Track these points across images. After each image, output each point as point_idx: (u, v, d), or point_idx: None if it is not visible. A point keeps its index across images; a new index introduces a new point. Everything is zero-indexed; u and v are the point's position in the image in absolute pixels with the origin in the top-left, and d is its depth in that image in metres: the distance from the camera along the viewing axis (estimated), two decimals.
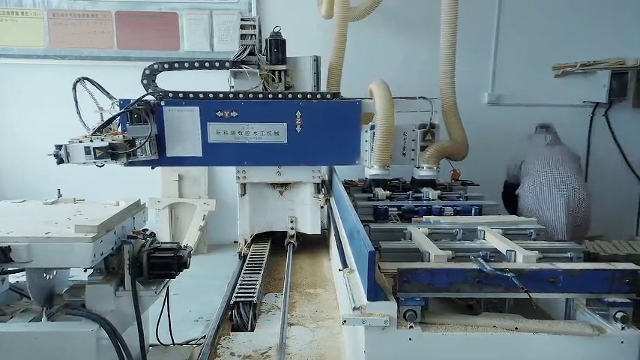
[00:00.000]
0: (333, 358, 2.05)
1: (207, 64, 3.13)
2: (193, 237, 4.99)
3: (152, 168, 3.10)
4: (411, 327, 1.64)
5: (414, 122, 3.27)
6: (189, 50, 4.87)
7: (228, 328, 2.31)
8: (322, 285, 2.84)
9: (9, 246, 1.70)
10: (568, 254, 2.00)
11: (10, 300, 2.11)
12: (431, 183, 3.27)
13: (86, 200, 2.34)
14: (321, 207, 3.39)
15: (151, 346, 2.39)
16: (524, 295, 1.66)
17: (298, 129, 3.06)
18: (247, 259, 3.10)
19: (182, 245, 2.12)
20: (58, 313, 1.92)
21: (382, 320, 1.61)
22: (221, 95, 3.04)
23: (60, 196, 2.36)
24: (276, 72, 3.24)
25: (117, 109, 2.87)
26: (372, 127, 3.04)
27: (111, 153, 2.56)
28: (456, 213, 2.85)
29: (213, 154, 3.07)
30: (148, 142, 2.80)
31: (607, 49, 5.09)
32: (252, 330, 2.29)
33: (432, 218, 2.64)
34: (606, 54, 5.07)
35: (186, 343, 2.74)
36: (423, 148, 3.24)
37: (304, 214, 3.44)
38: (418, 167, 3.25)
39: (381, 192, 3.23)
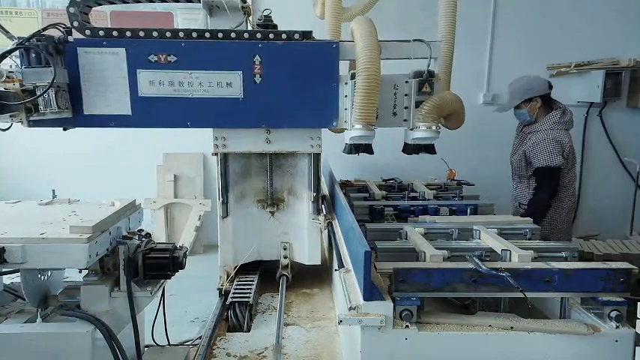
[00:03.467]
0: (329, 358, 2.05)
1: None
2: (189, 237, 4.99)
3: (64, 129, 2.33)
4: (407, 326, 1.65)
5: (405, 73, 2.51)
6: None
7: (224, 328, 2.31)
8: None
9: (3, 247, 1.68)
10: (563, 254, 2.01)
11: (4, 301, 2.10)
12: (429, 149, 2.53)
13: (81, 201, 2.33)
14: (322, 231, 2.71)
15: (146, 346, 2.38)
16: (520, 295, 1.67)
17: (257, 79, 2.32)
18: (229, 295, 2.47)
19: (178, 246, 2.12)
20: (53, 314, 1.91)
21: (378, 320, 1.61)
22: (155, 33, 2.28)
23: (54, 196, 2.34)
24: None
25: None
26: (353, 77, 2.30)
27: None
28: (452, 213, 2.86)
29: (146, 113, 2.33)
30: (53, 93, 2.13)
31: (601, 50, 5.13)
32: (249, 330, 2.29)
33: (427, 218, 2.65)
34: (601, 54, 5.11)
35: (182, 343, 2.73)
36: (418, 104, 2.40)
37: (300, 239, 2.73)
38: (412, 129, 2.45)
39: (377, 192, 3.24)
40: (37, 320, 1.88)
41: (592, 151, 5.41)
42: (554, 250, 2.06)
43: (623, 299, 1.69)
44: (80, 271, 1.95)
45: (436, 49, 2.44)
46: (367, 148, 2.48)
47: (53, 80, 2.05)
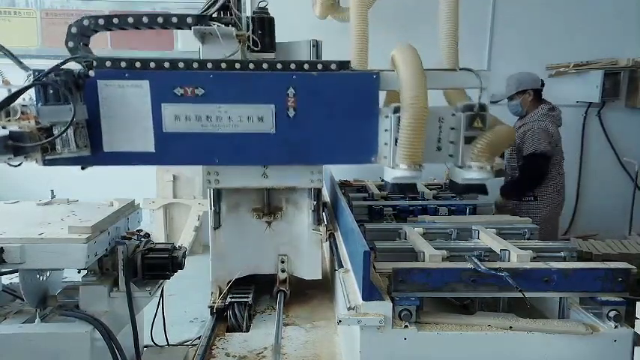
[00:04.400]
0: (329, 358, 2.05)
1: (159, 20, 2.23)
2: (188, 237, 4.99)
3: (83, 168, 2.18)
4: (406, 326, 1.65)
5: (445, 103, 2.38)
6: (182, 50, 4.86)
7: (224, 328, 2.31)
8: None
9: (2, 247, 1.68)
10: (562, 253, 2.01)
11: (3, 301, 2.09)
12: (480, 189, 2.31)
13: (80, 201, 2.33)
14: (323, 243, 2.56)
15: (145, 347, 2.38)
16: (519, 295, 1.67)
17: (291, 113, 2.16)
18: (223, 314, 2.39)
19: (177, 246, 2.12)
20: (52, 314, 1.91)
21: (377, 320, 1.61)
22: (181, 64, 2.12)
23: (53, 196, 2.34)
24: None
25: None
26: (396, 110, 2.12)
27: (13, 146, 1.80)
28: (451, 213, 2.86)
29: (171, 149, 2.15)
30: (71, 131, 1.96)
31: (600, 50, 5.13)
32: (248, 330, 2.29)
33: (426, 218, 2.66)
34: (599, 54, 5.11)
35: (181, 343, 2.73)
36: (468, 140, 2.19)
37: (299, 251, 2.56)
38: (462, 167, 2.24)
39: (376, 192, 3.24)
40: (36, 320, 1.87)
41: (591, 151, 5.42)
42: (553, 250, 2.06)
43: (621, 299, 1.69)
44: (79, 272, 1.95)
45: (485, 79, 2.22)
46: (411, 188, 2.33)
47: (72, 119, 1.88)
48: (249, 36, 2.29)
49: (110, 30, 2.24)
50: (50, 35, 4.78)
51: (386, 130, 2.18)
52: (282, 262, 2.57)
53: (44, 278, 2.00)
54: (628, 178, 5.43)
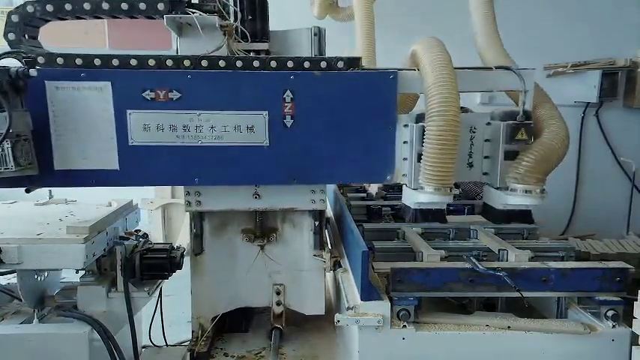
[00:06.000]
0: (327, 358, 2.05)
1: (124, 6, 1.79)
2: (186, 237, 4.97)
3: (27, 191, 1.82)
4: (405, 326, 1.65)
5: (480, 109, 2.03)
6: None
7: (222, 328, 2.30)
8: None
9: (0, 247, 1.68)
10: (559, 253, 2.01)
11: (1, 302, 2.09)
12: (525, 216, 1.94)
13: (78, 201, 2.32)
14: (327, 272, 2.18)
15: (143, 347, 2.38)
16: (517, 294, 1.67)
17: (288, 121, 1.79)
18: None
19: (175, 246, 2.12)
20: (50, 314, 1.91)
21: (375, 320, 1.61)
22: (152, 62, 1.74)
23: (51, 197, 2.34)
24: (253, 54, 1.99)
25: None
26: (420, 119, 1.76)
27: None
28: (449, 213, 2.86)
29: (139, 167, 1.78)
30: (10, 146, 1.56)
31: (598, 50, 5.14)
32: (246, 330, 2.28)
33: None
34: (597, 54, 5.12)
35: (180, 344, 2.72)
36: (509, 155, 1.82)
37: (298, 281, 2.16)
38: (500, 188, 1.85)
39: (374, 191, 3.24)
40: (34, 321, 1.87)
41: (588, 150, 5.43)
42: (551, 249, 2.06)
43: (619, 299, 1.69)
44: (77, 272, 1.95)
45: (529, 79, 1.84)
46: (438, 215, 1.87)
47: (8, 130, 1.52)
48: (236, 27, 1.88)
49: (63, 19, 1.83)
50: (47, 35, 4.74)
51: (405, 143, 1.83)
52: (278, 293, 2.16)
53: (42, 278, 1.99)
54: (626, 178, 5.44)
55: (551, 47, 5.20)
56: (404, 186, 1.90)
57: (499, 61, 1.93)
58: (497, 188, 1.84)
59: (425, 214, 1.84)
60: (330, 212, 2.66)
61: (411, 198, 1.80)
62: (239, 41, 1.95)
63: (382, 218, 2.83)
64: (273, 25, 2.06)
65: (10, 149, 1.56)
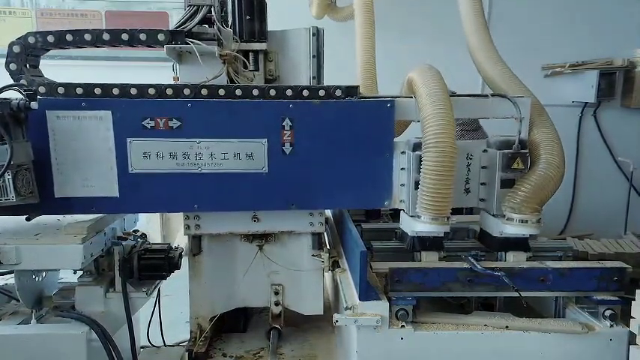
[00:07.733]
0: (326, 358, 2.05)
1: (124, 37, 1.87)
2: (184, 238, 4.97)
3: (28, 219, 1.82)
4: (403, 326, 1.65)
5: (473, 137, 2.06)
6: None
7: (220, 328, 2.30)
8: None
9: None
10: (557, 253, 2.02)
11: None
12: (521, 245, 1.91)
13: None
14: (325, 272, 2.18)
15: (142, 347, 2.38)
16: (515, 294, 1.68)
17: (287, 148, 1.84)
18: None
19: (173, 246, 2.11)
20: (48, 315, 1.90)
21: (374, 320, 1.61)
22: (152, 91, 1.78)
23: None
24: (251, 54, 2.01)
25: None
26: (416, 147, 1.80)
27: None
28: None
29: (139, 194, 1.81)
30: (11, 177, 1.59)
31: (595, 50, 5.15)
32: (245, 331, 2.28)
33: None
34: (595, 54, 5.13)
35: (178, 344, 2.72)
36: (506, 184, 1.86)
37: (296, 281, 2.16)
38: (496, 216, 1.89)
39: None
40: (32, 321, 1.87)
41: (586, 150, 5.44)
42: (549, 249, 2.07)
43: (617, 298, 1.70)
44: (75, 272, 1.95)
45: (524, 107, 1.88)
46: (437, 244, 1.90)
47: (9, 162, 1.54)
48: (235, 56, 1.93)
49: (64, 48, 1.89)
50: None
51: (403, 169, 1.86)
52: (277, 293, 2.16)
53: (40, 279, 1.99)
54: (623, 178, 5.45)
55: (549, 47, 5.21)
56: (402, 212, 1.96)
57: (490, 63, 1.98)
58: (494, 215, 1.91)
59: (423, 241, 1.90)
60: (328, 212, 2.70)
61: (409, 226, 1.85)
62: (238, 59, 1.99)
63: (380, 218, 2.83)
64: (272, 25, 2.07)
65: (11, 180, 1.59)
